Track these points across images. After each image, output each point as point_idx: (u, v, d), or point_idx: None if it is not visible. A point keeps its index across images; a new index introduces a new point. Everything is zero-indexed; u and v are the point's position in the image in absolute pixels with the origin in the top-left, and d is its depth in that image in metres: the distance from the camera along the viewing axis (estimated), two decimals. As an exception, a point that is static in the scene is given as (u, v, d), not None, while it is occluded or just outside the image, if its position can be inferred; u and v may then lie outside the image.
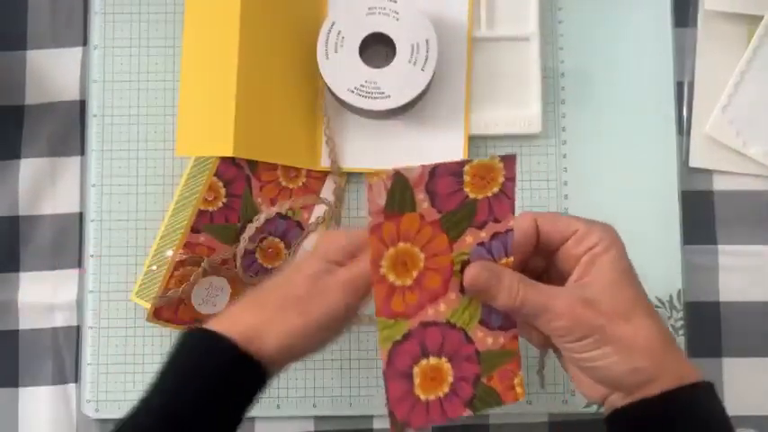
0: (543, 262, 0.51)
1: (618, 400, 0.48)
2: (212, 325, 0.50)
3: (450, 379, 0.50)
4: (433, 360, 0.50)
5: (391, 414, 0.49)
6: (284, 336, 0.49)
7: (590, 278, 0.48)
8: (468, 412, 0.51)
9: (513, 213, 0.49)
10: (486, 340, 0.50)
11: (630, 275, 0.49)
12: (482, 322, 0.50)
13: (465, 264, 0.49)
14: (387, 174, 0.46)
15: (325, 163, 0.67)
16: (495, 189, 0.49)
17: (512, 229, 0.49)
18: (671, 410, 0.47)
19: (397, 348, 0.48)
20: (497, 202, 0.49)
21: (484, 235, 0.49)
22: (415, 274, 0.48)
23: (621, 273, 0.48)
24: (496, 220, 0.49)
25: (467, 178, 0.48)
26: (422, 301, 0.49)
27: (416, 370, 0.49)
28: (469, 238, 0.49)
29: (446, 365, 0.50)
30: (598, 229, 0.49)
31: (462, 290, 0.49)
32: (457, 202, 0.48)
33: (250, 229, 0.64)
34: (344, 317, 0.51)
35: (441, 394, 0.50)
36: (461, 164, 0.48)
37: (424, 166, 0.47)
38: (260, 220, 0.63)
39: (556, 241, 0.50)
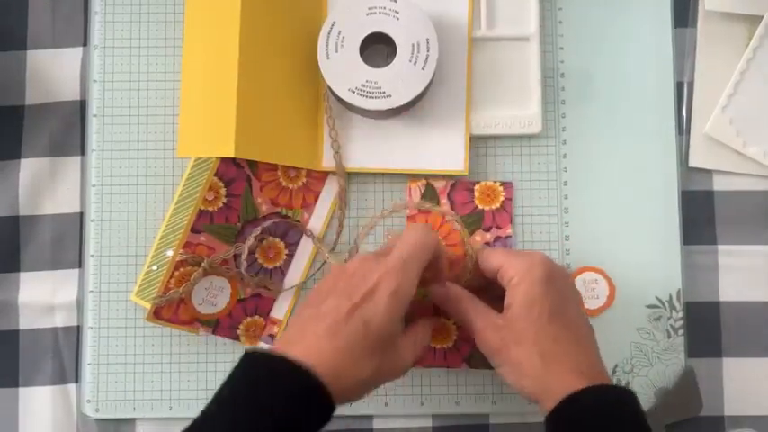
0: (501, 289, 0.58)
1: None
2: (298, 351, 0.51)
3: (454, 337, 0.64)
4: (443, 320, 0.64)
5: None
6: (355, 384, 0.52)
7: (506, 306, 0.56)
8: (464, 366, 0.64)
9: (511, 223, 0.66)
10: None
11: (538, 303, 0.55)
12: None
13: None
14: (422, 181, 0.66)
15: (326, 163, 0.67)
16: (497, 205, 0.66)
17: (510, 236, 0.66)
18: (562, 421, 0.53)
19: (419, 304, 0.62)
20: (499, 215, 0.66)
21: (489, 237, 0.66)
22: None
23: (529, 302, 0.55)
24: (498, 227, 0.66)
25: (476, 194, 0.66)
26: None
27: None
28: (478, 237, 0.66)
29: (452, 327, 0.64)
30: (517, 262, 0.56)
31: None
32: (469, 210, 0.66)
33: (249, 240, 0.64)
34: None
35: (445, 346, 0.64)
36: (473, 183, 0.66)
37: (447, 180, 0.65)
38: (257, 231, 0.64)
39: (492, 273, 0.58)
